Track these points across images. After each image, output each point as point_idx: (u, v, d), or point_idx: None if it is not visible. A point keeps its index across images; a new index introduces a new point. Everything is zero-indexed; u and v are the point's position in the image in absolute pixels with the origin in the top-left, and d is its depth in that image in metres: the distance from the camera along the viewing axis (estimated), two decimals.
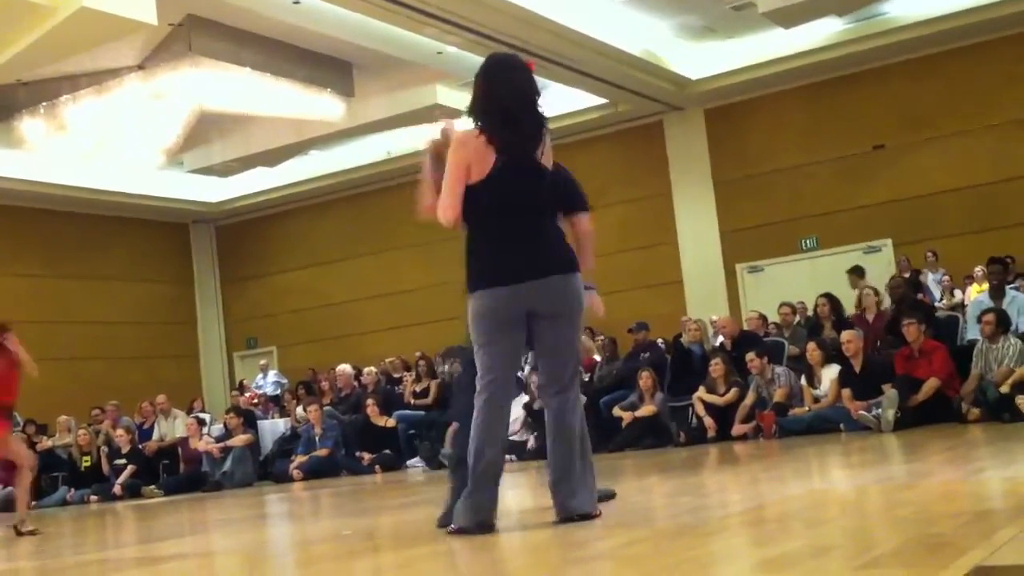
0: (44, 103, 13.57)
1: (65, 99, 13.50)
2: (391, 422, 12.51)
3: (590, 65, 13.57)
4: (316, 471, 12.12)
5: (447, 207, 4.16)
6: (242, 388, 16.99)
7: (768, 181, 15.38)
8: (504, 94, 4.19)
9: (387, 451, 12.22)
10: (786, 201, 15.26)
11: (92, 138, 14.64)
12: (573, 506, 4.11)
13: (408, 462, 12.23)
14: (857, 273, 13.38)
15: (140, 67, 13.12)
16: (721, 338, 11.86)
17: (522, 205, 4.19)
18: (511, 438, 11.30)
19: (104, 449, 13.60)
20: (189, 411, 15.04)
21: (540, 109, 4.26)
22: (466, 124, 4.29)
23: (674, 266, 15.88)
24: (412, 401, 13.22)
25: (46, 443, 14.00)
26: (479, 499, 4.10)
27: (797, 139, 15.25)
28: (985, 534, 2.85)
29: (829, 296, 11.55)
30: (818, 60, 14.42)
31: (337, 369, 14.52)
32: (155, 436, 14.09)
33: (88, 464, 13.48)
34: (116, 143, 15.17)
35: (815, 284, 13.27)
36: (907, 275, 12.97)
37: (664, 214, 15.99)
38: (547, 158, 4.26)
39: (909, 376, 9.34)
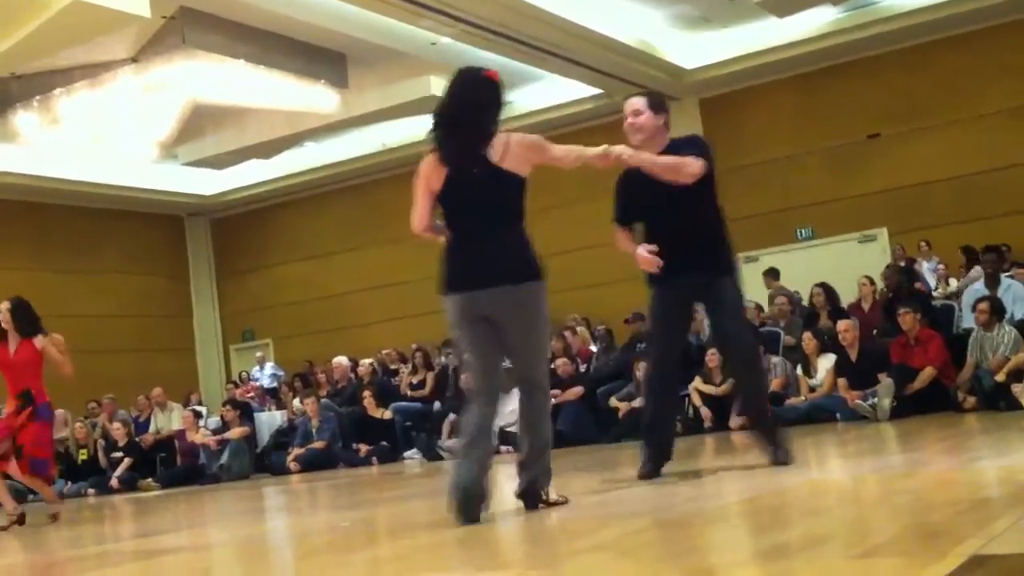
0: (38, 96, 13.54)
1: (59, 92, 13.47)
2: (388, 414, 12.52)
3: (584, 55, 13.54)
4: (313, 463, 12.13)
5: (414, 219, 4.56)
6: (242, 380, 16.98)
7: (763, 171, 15.38)
8: (442, 106, 4.45)
9: (384, 443, 12.23)
10: (781, 191, 15.26)
11: (86, 131, 14.61)
12: (533, 486, 4.43)
13: (405, 454, 12.25)
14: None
15: (134, 60, 13.09)
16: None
17: (476, 211, 4.39)
18: (508, 430, 11.36)
19: (101, 442, 13.61)
20: (186, 404, 15.03)
21: (487, 114, 4.40)
22: None
23: None
24: (408, 393, 13.24)
25: None
26: (461, 495, 4.20)
27: (792, 129, 15.24)
28: (982, 523, 2.85)
29: (824, 286, 11.56)
30: (813, 49, 14.40)
31: (333, 361, 14.52)
32: (151, 429, 14.09)
33: (85, 457, 13.49)
34: (110, 136, 15.15)
35: (811, 274, 13.28)
36: (902, 264, 12.99)
37: None
38: (512, 160, 4.35)
39: (905, 365, 9.35)
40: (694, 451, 8.34)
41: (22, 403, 7.41)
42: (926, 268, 13.55)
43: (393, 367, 14.50)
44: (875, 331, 10.60)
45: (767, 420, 5.72)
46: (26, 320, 7.56)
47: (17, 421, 7.40)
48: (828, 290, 11.51)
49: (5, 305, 7.51)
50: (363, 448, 12.21)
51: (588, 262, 14.64)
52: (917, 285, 12.09)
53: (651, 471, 5.32)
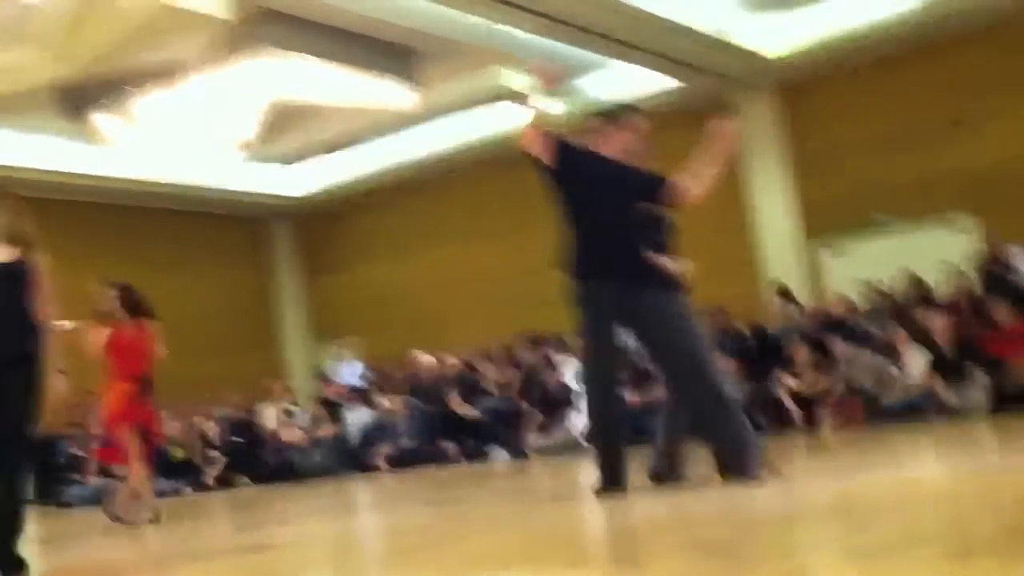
0: (119, 97, 13.81)
1: (139, 92, 13.73)
2: (474, 411, 12.59)
3: (659, 44, 13.38)
4: (401, 461, 12.27)
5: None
6: (326, 379, 17.21)
7: (844, 157, 15.09)
8: None
9: (471, 441, 12.32)
10: (865, 177, 14.94)
11: (167, 132, 14.91)
12: None
13: (491, 452, 12.31)
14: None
15: (210, 59, 13.34)
16: (804, 322, 11.71)
17: None
18: None
19: (196, 441, 13.93)
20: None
21: None
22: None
23: (750, 247, 15.69)
24: (495, 392, 13.29)
25: None
26: None
27: (875, 113, 14.91)
28: None
29: (914, 276, 11.28)
30: (895, 32, 14.06)
31: (418, 359, 14.63)
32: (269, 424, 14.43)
33: (180, 456, 13.81)
34: (190, 136, 15.43)
35: (892, 263, 12.99)
36: (993, 253, 12.64)
37: (738, 194, 15.80)
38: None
39: (1001, 359, 9.13)
40: (783, 449, 8.26)
41: (143, 387, 7.59)
42: (1020, 257, 13.15)
43: (478, 365, 14.57)
44: (969, 324, 10.36)
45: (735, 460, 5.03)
46: (133, 302, 7.79)
47: (146, 407, 7.56)
48: (919, 281, 11.25)
49: (113, 291, 7.74)
50: (450, 446, 12.31)
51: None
52: (1009, 276, 11.77)
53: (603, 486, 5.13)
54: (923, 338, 9.85)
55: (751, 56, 14.54)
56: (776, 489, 4.74)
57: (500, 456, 12.07)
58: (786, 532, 3.44)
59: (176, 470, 13.66)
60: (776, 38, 14.59)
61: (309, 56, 13.19)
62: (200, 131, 15.15)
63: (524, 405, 12.63)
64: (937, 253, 13.11)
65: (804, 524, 3.63)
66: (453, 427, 12.57)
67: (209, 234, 19.32)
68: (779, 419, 10.45)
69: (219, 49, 13.19)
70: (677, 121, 15.88)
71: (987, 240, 13.28)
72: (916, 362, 9.76)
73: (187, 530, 6.89)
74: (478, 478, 9.33)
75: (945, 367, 9.38)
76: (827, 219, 15.30)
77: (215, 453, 13.45)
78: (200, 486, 13.04)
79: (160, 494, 13.01)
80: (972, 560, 2.52)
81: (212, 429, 13.72)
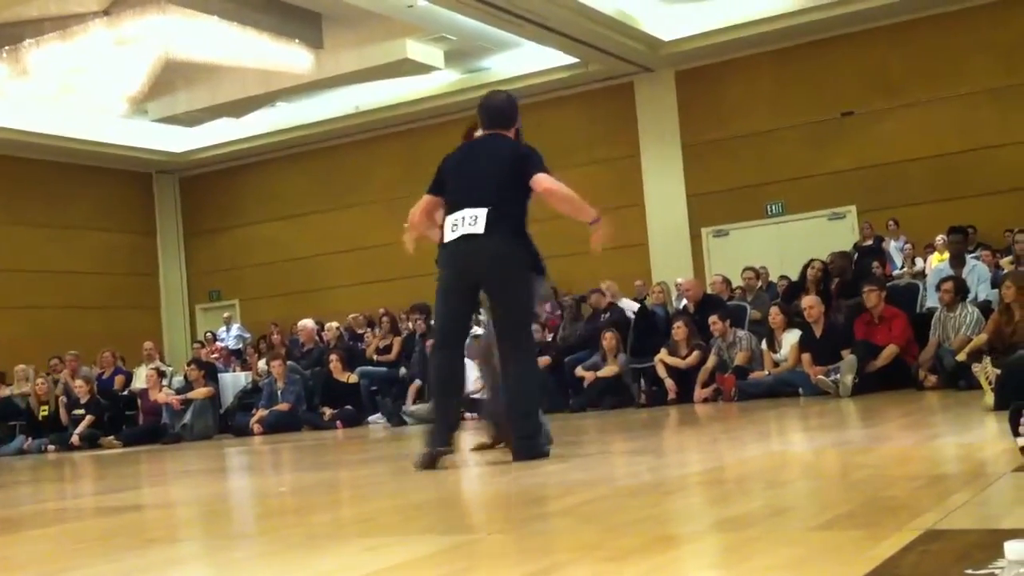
0: (7, 47, 13.31)
1: (29, 43, 13.25)
2: (353, 378, 12.50)
3: (562, 23, 13.48)
4: (277, 425, 12.10)
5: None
6: (207, 340, 16.87)
7: (736, 145, 15.41)
8: None
9: (348, 407, 12.23)
10: (754, 166, 15.30)
11: (56, 84, 14.40)
12: None
13: (369, 418, 12.26)
14: None
15: (106, 12, 12.90)
16: (684, 301, 11.92)
17: None
18: (473, 396, 11.40)
19: (62, 399, 13.50)
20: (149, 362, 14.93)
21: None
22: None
23: (640, 228, 15.92)
24: (375, 357, 13.22)
25: (3, 391, 13.89)
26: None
27: (767, 103, 15.26)
28: (938, 498, 2.89)
29: (824, 263, 11.44)
30: (790, 24, 14.41)
31: (299, 324, 14.46)
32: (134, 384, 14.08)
33: (46, 413, 13.38)
34: (80, 90, 14.94)
35: (780, 249, 13.37)
36: (870, 242, 13.07)
37: (631, 176, 16.00)
38: None
39: (868, 342, 9.44)
40: (657, 422, 8.40)
41: None
42: (893, 247, 13.66)
43: (360, 331, 14.47)
44: (841, 308, 10.67)
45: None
46: None
47: None
48: (827, 268, 11.39)
49: None
50: (328, 411, 12.20)
51: (553, 234, 14.63)
52: (875, 265, 12.13)
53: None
54: (797, 320, 10.12)
55: (651, 40, 14.71)
56: (649, 461, 4.80)
57: (378, 422, 12.02)
58: (658, 502, 3.48)
59: (40, 428, 13.24)
60: (677, 24, 14.77)
61: (207, 14, 12.84)
62: (93, 85, 14.66)
63: (404, 371, 12.59)
64: (820, 241, 13.52)
65: (675, 495, 3.67)
66: (332, 392, 12.45)
67: (92, 188, 18.74)
68: (656, 392, 10.63)
69: (113, 1, 12.74)
70: (574, 99, 16.03)
71: (866, 231, 13.74)
72: (789, 342, 10.03)
73: (44, 489, 6.65)
74: (355, 444, 9.26)
75: (816, 347, 9.65)
76: (716, 205, 15.60)
77: (81, 412, 13.05)
78: (65, 445, 12.65)
79: (22, 452, 12.67)
80: (832, 531, 2.58)
81: (80, 387, 13.30)
